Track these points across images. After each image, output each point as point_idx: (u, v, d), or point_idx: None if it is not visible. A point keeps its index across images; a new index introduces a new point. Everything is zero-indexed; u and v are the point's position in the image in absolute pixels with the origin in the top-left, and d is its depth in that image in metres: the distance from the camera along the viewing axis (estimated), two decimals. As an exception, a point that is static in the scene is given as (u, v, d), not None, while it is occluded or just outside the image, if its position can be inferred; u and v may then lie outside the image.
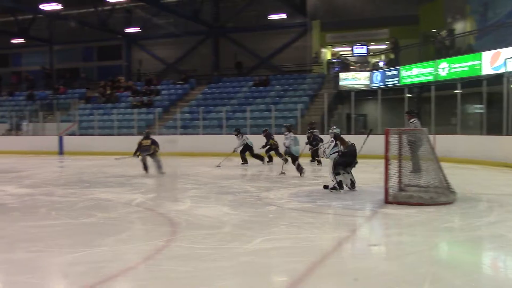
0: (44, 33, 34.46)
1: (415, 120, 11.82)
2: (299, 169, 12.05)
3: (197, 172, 13.61)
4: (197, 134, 22.42)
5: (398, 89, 20.50)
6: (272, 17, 28.49)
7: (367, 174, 12.34)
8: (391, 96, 21.38)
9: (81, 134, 24.60)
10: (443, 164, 8.66)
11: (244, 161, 16.09)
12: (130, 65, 33.54)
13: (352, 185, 9.45)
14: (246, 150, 16.26)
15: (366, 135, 10.58)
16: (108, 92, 28.87)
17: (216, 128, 22.64)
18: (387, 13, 25.59)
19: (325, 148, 9.67)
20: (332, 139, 9.51)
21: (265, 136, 16.25)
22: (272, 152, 16.14)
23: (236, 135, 16.63)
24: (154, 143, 12.96)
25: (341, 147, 9.41)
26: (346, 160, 9.33)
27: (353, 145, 9.54)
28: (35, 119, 26.89)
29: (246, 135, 16.89)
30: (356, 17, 26.47)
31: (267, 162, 16.27)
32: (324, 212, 7.50)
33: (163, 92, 28.34)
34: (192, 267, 4.67)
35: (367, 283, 4.27)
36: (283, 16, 28.27)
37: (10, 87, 33.63)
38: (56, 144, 23.68)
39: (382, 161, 8.10)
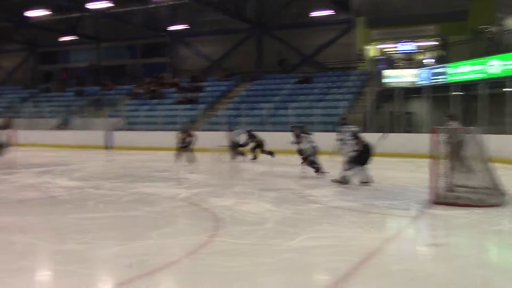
0: (92, 31, 35.36)
1: (454, 123, 11.87)
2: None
3: (242, 169, 13.69)
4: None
5: (446, 87, 19.99)
6: (315, 13, 28.25)
7: (413, 173, 12.13)
8: (438, 94, 20.87)
9: (127, 129, 25.12)
10: (494, 164, 8.38)
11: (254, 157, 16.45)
12: (174, 62, 33.99)
13: (369, 180, 9.80)
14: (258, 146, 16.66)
15: (380, 137, 10.53)
16: (154, 88, 29.40)
17: (259, 125, 22.67)
18: (435, 9, 24.93)
19: (342, 145, 10.07)
20: (350, 137, 9.96)
21: (249, 135, 17.10)
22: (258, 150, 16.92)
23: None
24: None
25: (357, 145, 9.81)
26: (360, 158, 9.71)
27: (368, 145, 9.86)
28: (84, 114, 27.68)
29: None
30: (402, 13, 25.90)
31: (251, 159, 16.68)
32: (369, 212, 7.39)
33: (207, 89, 28.61)
34: (235, 263, 4.71)
35: (413, 285, 4.20)
36: (327, 12, 27.98)
37: (60, 83, 34.73)
38: (103, 138, 24.28)
39: (428, 160, 7.92)
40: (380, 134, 11.55)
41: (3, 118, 29.67)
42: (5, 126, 23.98)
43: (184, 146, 13.40)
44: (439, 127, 8.15)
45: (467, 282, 4.20)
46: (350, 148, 9.81)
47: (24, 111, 29.16)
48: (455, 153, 8.17)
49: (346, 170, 9.71)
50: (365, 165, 9.85)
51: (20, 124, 28.37)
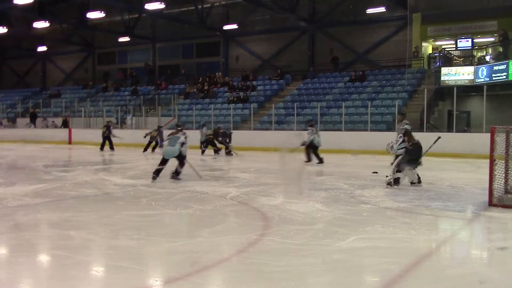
0: (148, 32, 36.23)
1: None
2: (320, 159, 14.36)
3: (294, 168, 13.61)
4: (291, 129, 22.46)
5: (507, 85, 19.19)
6: (370, 11, 27.79)
7: (470, 174, 11.73)
8: (499, 92, 20.06)
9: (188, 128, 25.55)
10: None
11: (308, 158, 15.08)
12: (227, 61, 34.31)
13: (419, 181, 9.60)
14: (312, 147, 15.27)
15: (433, 142, 10.15)
16: (206, 87, 29.78)
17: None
18: (496, 3, 24.00)
19: (393, 144, 9.79)
20: (401, 135, 9.70)
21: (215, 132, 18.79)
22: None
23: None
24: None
25: (407, 143, 9.52)
26: (410, 158, 9.40)
27: (418, 144, 9.55)
28: (138, 113, 28.40)
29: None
30: (460, 9, 25.06)
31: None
32: (422, 213, 7.19)
33: (259, 87, 28.71)
34: (284, 262, 4.69)
35: (467, 289, 4.05)
36: (381, 9, 27.48)
37: (116, 83, 35.79)
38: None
39: (486, 161, 7.62)
40: (435, 135, 11.25)
41: (61, 117, 31.05)
42: (63, 125, 25.87)
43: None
44: (498, 126, 7.81)
45: (526, 289, 4.02)
46: (401, 146, 9.58)
47: (82, 110, 30.21)
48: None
49: (396, 171, 9.46)
50: (415, 165, 9.58)
51: (78, 123, 29.54)
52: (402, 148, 9.55)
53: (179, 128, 11.32)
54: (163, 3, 26.59)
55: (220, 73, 31.98)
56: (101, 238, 5.77)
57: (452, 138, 17.22)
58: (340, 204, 7.80)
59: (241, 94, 27.54)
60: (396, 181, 9.49)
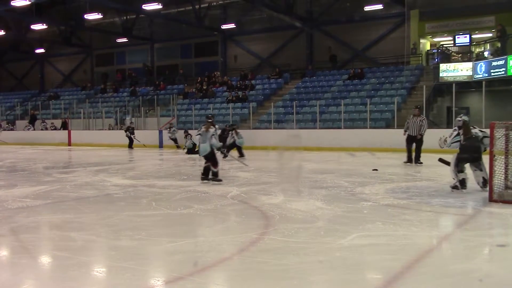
0: (146, 32, 36.21)
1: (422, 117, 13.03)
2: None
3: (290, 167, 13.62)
4: (291, 128, 22.48)
5: (505, 80, 19.19)
6: (368, 8, 27.77)
7: (470, 170, 11.72)
8: (497, 88, 20.08)
9: (179, 129, 25.58)
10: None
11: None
12: (225, 61, 34.30)
13: (484, 183, 8.30)
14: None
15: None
16: (205, 87, 29.78)
17: (310, 122, 22.56)
18: (493, -1, 24.01)
19: (446, 137, 8.78)
20: (456, 127, 8.63)
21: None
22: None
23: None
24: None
25: (462, 136, 8.50)
26: (468, 156, 8.39)
27: (476, 138, 8.48)
28: (137, 114, 28.41)
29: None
30: (458, 5, 25.06)
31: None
32: (423, 210, 7.19)
33: (258, 86, 28.71)
34: (285, 261, 4.69)
35: (467, 285, 4.05)
36: (379, 6, 27.46)
37: (115, 84, 35.78)
38: (157, 138, 24.85)
39: (486, 157, 7.63)
40: (435, 131, 11.26)
41: (61, 119, 31.06)
42: (63, 127, 26.53)
43: None
44: (498, 122, 7.81)
45: (528, 284, 4.02)
46: (456, 140, 8.54)
47: (81, 112, 30.21)
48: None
49: (458, 171, 8.46)
50: (477, 164, 8.50)
51: (77, 124, 29.55)
52: (457, 141, 8.53)
53: (209, 120, 10.30)
54: (160, 3, 26.60)
55: (219, 73, 31.99)
56: (103, 239, 5.77)
57: (447, 134, 17.21)
58: (341, 202, 7.80)
59: (240, 93, 27.54)
60: (463, 183, 8.46)
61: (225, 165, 14.08)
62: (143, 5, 27.23)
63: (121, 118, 28.84)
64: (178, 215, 7.02)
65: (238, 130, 17.70)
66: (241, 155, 16.67)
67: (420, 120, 13.50)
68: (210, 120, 10.26)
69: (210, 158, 10.02)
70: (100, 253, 5.30)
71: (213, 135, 9.86)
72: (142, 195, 8.77)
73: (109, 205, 7.92)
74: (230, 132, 17.25)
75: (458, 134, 8.59)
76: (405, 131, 13.71)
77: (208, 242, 5.47)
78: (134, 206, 7.78)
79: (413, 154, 13.49)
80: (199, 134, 10.47)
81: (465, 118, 8.71)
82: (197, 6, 30.83)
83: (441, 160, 9.10)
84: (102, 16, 30.69)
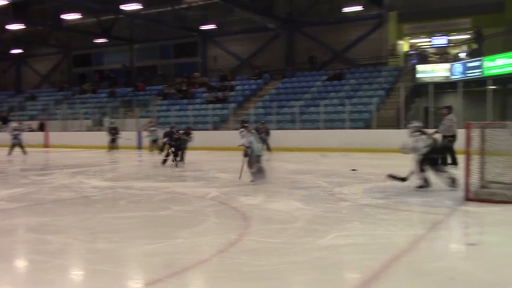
0: (125, 33, 35.91)
1: (451, 116, 12.18)
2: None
3: (270, 167, 13.63)
4: (270, 129, 22.52)
5: (481, 81, 19.51)
6: (346, 9, 27.98)
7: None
8: (473, 88, 20.39)
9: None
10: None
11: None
12: (205, 62, 34.22)
13: (453, 182, 8.60)
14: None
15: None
16: (184, 88, 29.66)
17: (289, 123, 22.63)
18: (470, 1, 24.39)
19: (411, 145, 8.93)
20: (416, 133, 8.94)
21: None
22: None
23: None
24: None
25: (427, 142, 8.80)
26: (431, 157, 8.74)
27: (433, 140, 9.00)
28: (116, 115, 28.15)
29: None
30: (435, 7, 25.41)
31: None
32: (400, 209, 7.27)
33: (237, 87, 28.70)
34: (264, 261, 4.69)
35: (446, 283, 4.10)
36: (358, 8, 27.68)
37: (93, 85, 35.41)
38: (135, 139, 24.65)
39: (463, 156, 7.74)
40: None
41: (38, 121, 30.62)
42: (40, 129, 25.98)
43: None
44: (473, 122, 7.95)
45: (501, 281, 4.08)
46: (426, 144, 8.76)
47: (58, 113, 29.83)
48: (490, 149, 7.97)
49: (420, 171, 8.77)
50: (439, 164, 8.93)
51: (55, 126, 29.15)
52: (427, 146, 8.74)
53: (246, 125, 10.98)
54: (140, 4, 26.43)
55: (198, 74, 31.89)
56: (80, 241, 5.70)
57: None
58: (320, 202, 7.84)
59: (220, 94, 27.50)
60: (427, 182, 8.79)
61: (204, 166, 14.06)
62: (122, 6, 27.02)
63: (100, 120, 28.54)
64: (157, 217, 6.98)
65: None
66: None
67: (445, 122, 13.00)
68: (246, 125, 10.74)
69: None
70: (77, 256, 5.23)
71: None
72: (120, 197, 8.70)
73: (87, 208, 7.82)
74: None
75: (425, 139, 8.87)
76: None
77: (187, 244, 5.44)
78: (112, 208, 7.71)
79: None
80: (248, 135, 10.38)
81: (418, 124, 9.27)
82: (176, 7, 30.70)
83: (391, 176, 9.13)
84: (80, 16, 30.34)
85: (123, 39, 35.89)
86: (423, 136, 8.87)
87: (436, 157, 8.83)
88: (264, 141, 16.00)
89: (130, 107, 29.07)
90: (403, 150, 9.07)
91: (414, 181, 8.90)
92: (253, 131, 10.49)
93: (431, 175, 8.85)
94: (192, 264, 4.71)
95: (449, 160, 12.39)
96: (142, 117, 26.91)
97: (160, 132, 21.58)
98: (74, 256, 5.24)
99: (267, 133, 16.81)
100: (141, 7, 27.17)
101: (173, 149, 14.43)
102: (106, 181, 11.13)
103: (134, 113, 27.49)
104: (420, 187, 8.77)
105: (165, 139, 15.11)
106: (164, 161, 14.57)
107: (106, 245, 5.45)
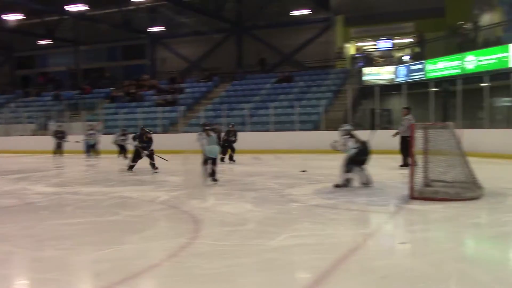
0: (70, 34, 35.00)
1: (410, 116, 12.25)
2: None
3: (219, 169, 13.60)
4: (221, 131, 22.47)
5: (424, 84, 20.21)
6: (295, 13, 28.35)
7: (392, 170, 12.24)
8: (416, 90, 21.09)
9: (106, 133, 24.91)
10: (470, 158, 8.51)
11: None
12: (154, 64, 33.81)
13: (369, 181, 9.38)
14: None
15: (369, 134, 10.58)
16: (133, 91, 29.20)
17: (240, 125, 22.66)
18: (413, 6, 25.24)
19: (342, 142, 9.46)
20: (346, 135, 9.45)
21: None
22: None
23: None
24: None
25: (354, 144, 9.37)
26: (360, 159, 9.31)
27: (365, 143, 9.44)
28: (62, 118, 27.36)
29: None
30: (380, 11, 26.16)
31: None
32: (349, 209, 7.42)
33: (187, 90, 28.51)
34: (215, 264, 4.68)
35: (391, 280, 4.22)
36: (306, 11, 28.12)
37: (37, 88, 34.28)
38: (82, 143, 24.01)
39: (407, 156, 7.99)
40: (368, 131, 11.66)
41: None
42: None
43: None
44: (417, 123, 8.23)
45: (444, 276, 4.24)
46: (355, 146, 9.30)
47: (1, 117, 28.72)
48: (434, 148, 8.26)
49: (345, 172, 9.30)
50: (363, 166, 9.48)
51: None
52: (355, 147, 9.26)
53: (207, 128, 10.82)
54: (85, 5, 25.82)
55: (147, 76, 31.47)
56: (25, 250, 5.50)
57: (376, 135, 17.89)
58: (270, 203, 7.89)
59: (169, 97, 27.23)
60: (348, 182, 9.30)
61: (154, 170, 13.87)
62: (67, 6, 26.32)
63: (44, 123, 27.66)
64: (105, 222, 6.83)
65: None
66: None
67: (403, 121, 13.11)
68: (207, 128, 10.67)
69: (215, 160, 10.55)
70: (22, 265, 5.06)
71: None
72: (66, 203, 8.46)
73: (31, 214, 7.56)
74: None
75: (354, 141, 9.34)
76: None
77: (137, 249, 5.36)
78: (58, 214, 7.49)
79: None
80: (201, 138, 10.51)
81: (349, 127, 9.69)
82: (124, 8, 30.19)
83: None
84: (23, 17, 29.31)
85: (68, 40, 34.98)
86: (352, 139, 9.37)
87: (364, 159, 9.37)
88: (229, 143, 15.87)
89: (76, 111, 28.32)
90: (333, 146, 9.62)
91: (357, 180, 9.40)
92: (212, 134, 10.54)
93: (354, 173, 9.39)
94: (142, 270, 4.64)
95: (402, 162, 12.74)
96: (88, 120, 26.25)
97: (99, 137, 21.17)
98: (18, 265, 5.06)
99: (235, 136, 16.54)
100: (87, 8, 26.54)
101: (145, 152, 13.10)
102: (51, 186, 10.80)
103: (80, 117, 26.79)
104: (339, 186, 9.24)
105: (135, 142, 13.52)
106: (131, 167, 13.18)
107: (53, 252, 5.29)
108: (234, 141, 16.09)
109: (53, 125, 26.15)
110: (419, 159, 8.12)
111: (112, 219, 6.99)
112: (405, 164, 12.21)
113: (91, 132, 21.55)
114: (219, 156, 13.57)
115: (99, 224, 6.76)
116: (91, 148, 21.01)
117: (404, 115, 13.08)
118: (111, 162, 17.42)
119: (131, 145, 15.95)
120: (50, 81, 34.81)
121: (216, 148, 10.65)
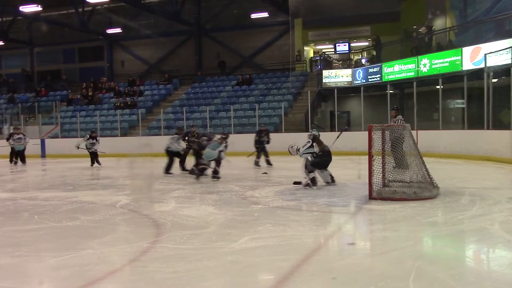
0: (24, 35, 34.06)
1: (400, 117, 12.08)
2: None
3: (180, 173, 13.54)
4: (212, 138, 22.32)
5: (381, 86, 20.65)
6: (254, 15, 28.48)
7: (352, 170, 12.44)
8: (374, 92, 21.54)
9: (63, 137, 24.37)
10: (425, 159, 8.76)
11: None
12: (112, 66, 33.28)
13: (332, 180, 9.85)
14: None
15: (338, 134, 10.89)
16: (90, 93, 28.64)
17: (200, 128, 22.57)
18: (369, 10, 25.75)
19: (298, 147, 9.83)
20: (310, 140, 9.82)
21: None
22: None
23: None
24: None
25: (317, 149, 9.76)
26: (320, 161, 9.68)
27: (327, 147, 9.88)
28: (17, 122, 26.55)
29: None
30: (337, 15, 26.56)
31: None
32: (310, 210, 7.52)
33: (146, 93, 28.20)
34: (177, 268, 4.65)
35: (352, 279, 4.30)
36: (265, 14, 28.29)
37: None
38: (38, 147, 23.41)
39: (366, 157, 8.15)
40: (336, 133, 11.86)
41: None
42: None
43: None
44: (375, 125, 8.40)
45: (403, 274, 4.34)
46: (308, 151, 9.69)
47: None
48: (393, 149, 8.46)
49: (309, 171, 9.58)
50: (325, 168, 9.84)
51: None
52: (309, 152, 9.66)
53: (224, 137, 12.09)
54: (40, 5, 25.19)
55: (105, 78, 30.95)
56: (-22, 258, 5.32)
57: (335, 137, 18.15)
58: (232, 206, 7.90)
59: (128, 99, 26.85)
60: (314, 182, 9.61)
61: (112, 174, 13.66)
62: (20, 7, 25.61)
63: (-1, 127, 26.81)
64: (64, 228, 6.68)
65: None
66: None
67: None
68: (224, 137, 12.11)
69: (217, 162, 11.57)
70: (-25, 274, 4.88)
71: (222, 151, 11.57)
72: (22, 209, 8.24)
73: (-15, 221, 7.33)
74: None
75: (311, 146, 9.72)
76: None
77: (97, 255, 5.26)
78: (14, 220, 7.28)
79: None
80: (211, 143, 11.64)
81: (315, 132, 10.13)
82: (80, 10, 29.60)
83: (296, 183, 10.01)
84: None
85: (23, 42, 34.04)
86: (312, 144, 9.76)
87: (328, 160, 9.80)
88: (260, 144, 15.07)
89: (31, 114, 27.56)
90: (290, 149, 9.96)
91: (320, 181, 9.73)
92: (216, 139, 11.76)
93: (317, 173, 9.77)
94: (103, 275, 4.56)
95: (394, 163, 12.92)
96: (45, 124, 25.62)
97: (27, 142, 18.86)
98: (-28, 274, 4.89)
99: (267, 136, 15.98)
100: (41, 9, 25.90)
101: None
102: (6, 192, 10.49)
103: (36, 120, 26.10)
104: (307, 185, 9.50)
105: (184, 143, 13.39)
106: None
107: (8, 260, 5.14)
108: (268, 142, 14.99)
109: (7, 129, 25.38)
110: (377, 159, 8.28)
111: (70, 225, 6.84)
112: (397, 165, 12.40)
113: (18, 137, 18.91)
114: (254, 160, 14.87)
115: (57, 229, 6.60)
116: (18, 155, 18.67)
117: (394, 116, 13.05)
118: (67, 166, 17.06)
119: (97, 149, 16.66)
120: (4, 84, 33.73)
121: (213, 153, 11.36)
